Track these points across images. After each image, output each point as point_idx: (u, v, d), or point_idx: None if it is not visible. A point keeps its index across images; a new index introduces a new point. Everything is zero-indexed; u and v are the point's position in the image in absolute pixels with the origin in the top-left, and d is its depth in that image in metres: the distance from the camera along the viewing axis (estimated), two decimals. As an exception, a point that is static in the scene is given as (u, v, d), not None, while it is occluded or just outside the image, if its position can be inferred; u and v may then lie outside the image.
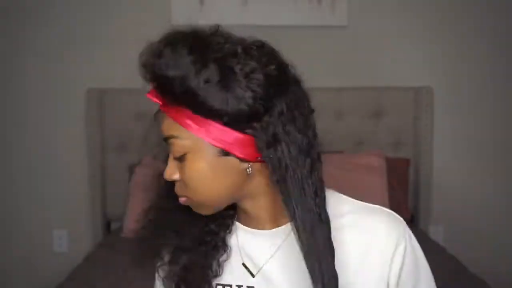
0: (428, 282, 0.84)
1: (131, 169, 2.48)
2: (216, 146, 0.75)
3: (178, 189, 0.81)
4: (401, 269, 0.80)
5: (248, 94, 0.72)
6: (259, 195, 0.81)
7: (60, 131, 2.67)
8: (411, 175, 2.68)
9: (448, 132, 2.72)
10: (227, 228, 0.87)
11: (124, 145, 2.62)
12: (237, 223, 0.87)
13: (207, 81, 0.71)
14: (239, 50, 0.73)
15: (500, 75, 2.74)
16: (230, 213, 0.87)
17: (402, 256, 0.80)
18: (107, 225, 2.67)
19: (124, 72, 2.58)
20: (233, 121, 0.73)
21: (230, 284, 0.84)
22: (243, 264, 0.84)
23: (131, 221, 2.32)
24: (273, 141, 0.74)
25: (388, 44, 2.69)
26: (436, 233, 2.66)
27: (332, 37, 2.65)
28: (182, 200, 0.81)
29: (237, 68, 0.72)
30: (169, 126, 0.76)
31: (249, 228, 0.85)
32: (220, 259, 0.85)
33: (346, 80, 2.66)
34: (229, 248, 0.86)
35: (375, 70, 2.69)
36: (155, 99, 0.77)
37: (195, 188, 0.78)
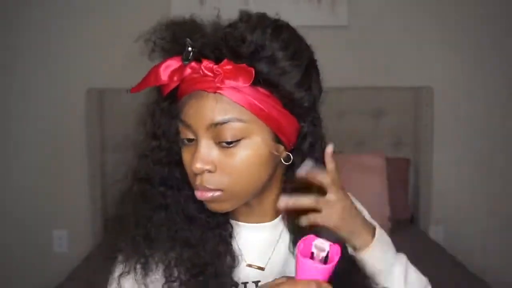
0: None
1: (131, 169, 2.47)
2: (274, 132, 0.74)
3: (208, 181, 0.73)
4: None
5: (317, 88, 0.78)
6: (273, 186, 0.81)
7: (60, 131, 2.67)
8: (411, 175, 2.68)
9: (448, 132, 2.72)
10: (227, 230, 0.83)
11: (123, 145, 2.61)
12: (233, 221, 0.85)
13: (295, 65, 0.72)
14: (305, 41, 0.78)
15: (500, 75, 2.74)
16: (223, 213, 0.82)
17: None
18: (107, 225, 2.67)
19: (124, 72, 2.60)
20: (300, 109, 0.75)
21: (246, 281, 0.82)
22: (248, 265, 0.83)
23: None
24: (314, 133, 0.79)
25: (388, 44, 2.69)
26: (436, 233, 2.66)
27: (332, 37, 2.65)
28: (208, 195, 0.74)
29: (311, 61, 0.77)
30: (227, 109, 0.70)
31: (250, 224, 0.84)
32: (230, 266, 0.80)
33: (346, 80, 2.65)
34: (234, 251, 0.82)
35: (375, 70, 2.69)
36: (211, 77, 0.70)
37: (239, 177, 0.73)
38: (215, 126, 0.71)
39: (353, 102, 2.65)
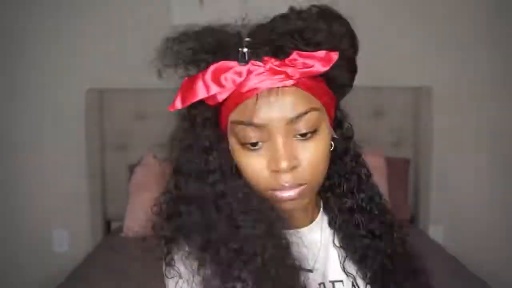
0: None
1: (131, 169, 2.48)
2: (333, 120, 0.78)
3: (295, 177, 0.71)
4: None
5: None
6: None
7: (60, 131, 2.67)
8: (411, 175, 2.68)
9: (448, 132, 2.72)
10: (285, 237, 0.76)
11: (124, 145, 2.62)
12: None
13: (351, 50, 0.75)
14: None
15: (500, 75, 2.74)
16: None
17: None
18: (107, 225, 2.67)
19: (124, 72, 2.60)
20: (342, 95, 0.81)
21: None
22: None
23: (131, 221, 2.32)
24: (344, 118, 0.85)
25: (388, 44, 2.69)
26: (436, 233, 2.66)
27: (332, 37, 2.64)
28: (297, 191, 0.72)
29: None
30: (305, 100, 0.71)
31: (291, 231, 0.77)
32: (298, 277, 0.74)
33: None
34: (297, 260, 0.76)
35: (375, 70, 2.68)
36: (288, 74, 0.69)
37: (318, 168, 0.73)
38: (296, 119, 0.70)
39: (353, 102, 2.63)
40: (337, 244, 0.85)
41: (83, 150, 2.63)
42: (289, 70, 0.69)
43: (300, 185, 0.72)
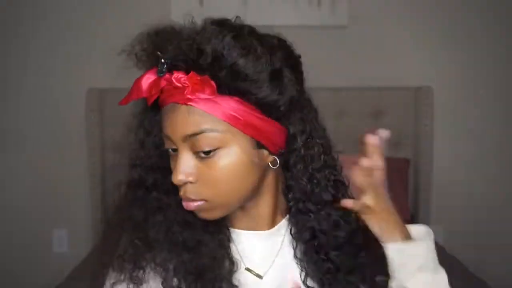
0: None
1: (131, 169, 2.48)
2: (254, 138, 0.72)
3: (191, 192, 0.73)
4: None
5: (294, 87, 0.73)
6: (266, 191, 0.80)
7: (60, 131, 2.67)
8: (411, 175, 2.68)
9: (448, 132, 2.72)
10: (225, 234, 0.81)
11: (123, 145, 2.61)
12: (232, 229, 0.83)
13: (260, 71, 0.69)
14: (276, 42, 0.74)
15: (500, 75, 2.74)
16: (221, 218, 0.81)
17: None
18: (107, 225, 2.67)
19: (124, 72, 2.60)
20: (278, 112, 0.73)
21: None
22: (247, 269, 0.81)
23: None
24: (306, 134, 0.77)
25: (388, 44, 2.69)
26: (436, 233, 2.62)
27: (332, 37, 2.65)
28: (194, 205, 0.73)
29: (283, 61, 0.72)
30: (199, 120, 0.69)
31: (247, 231, 0.82)
32: (230, 270, 0.78)
33: (346, 80, 2.65)
34: (232, 255, 0.80)
35: (375, 70, 2.68)
36: (186, 89, 0.68)
37: (221, 187, 0.72)
38: (189, 137, 0.70)
39: (353, 102, 2.65)
40: (298, 256, 0.83)
41: (83, 150, 2.63)
42: (186, 90, 0.68)
43: (200, 200, 0.73)
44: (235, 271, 0.79)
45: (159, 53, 0.70)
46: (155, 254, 0.77)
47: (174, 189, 0.76)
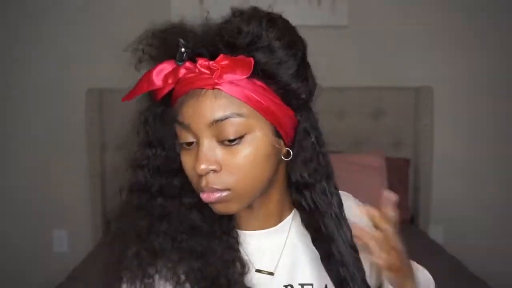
0: None
1: (131, 169, 2.47)
2: (274, 125, 0.72)
3: (215, 181, 0.71)
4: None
5: (314, 81, 0.76)
6: (276, 185, 0.80)
7: (60, 131, 2.67)
8: (411, 175, 2.68)
9: (448, 132, 2.72)
10: (233, 236, 0.80)
11: (124, 145, 2.61)
12: (238, 231, 0.82)
13: (292, 55, 0.71)
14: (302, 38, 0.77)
15: (500, 75, 2.74)
16: (227, 220, 0.80)
17: None
18: (107, 225, 2.67)
19: (124, 72, 2.59)
20: (299, 101, 0.73)
21: None
22: (257, 270, 0.80)
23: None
24: (312, 128, 0.77)
25: (388, 44, 2.69)
26: (436, 233, 2.66)
27: (332, 37, 2.65)
28: (215, 196, 0.72)
29: (306, 53, 0.75)
30: (226, 104, 0.69)
31: (255, 231, 0.82)
32: (241, 273, 0.78)
33: (346, 80, 2.65)
34: (242, 257, 0.79)
35: (375, 70, 2.68)
36: (215, 73, 0.68)
37: (245, 175, 0.71)
38: (216, 123, 0.70)
39: (353, 102, 2.65)
40: (310, 245, 0.81)
41: (83, 150, 2.63)
42: (214, 73, 0.68)
43: (223, 190, 0.72)
44: (247, 273, 0.78)
45: (181, 40, 0.70)
46: (164, 262, 0.76)
47: (180, 192, 0.76)
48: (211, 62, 0.69)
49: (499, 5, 2.70)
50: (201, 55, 0.70)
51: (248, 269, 0.78)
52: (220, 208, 0.74)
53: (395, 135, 2.68)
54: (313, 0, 2.62)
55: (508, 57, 2.72)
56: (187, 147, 0.73)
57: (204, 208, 0.76)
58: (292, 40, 0.72)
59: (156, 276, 0.76)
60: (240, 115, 0.70)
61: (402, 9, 2.69)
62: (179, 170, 0.76)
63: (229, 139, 0.70)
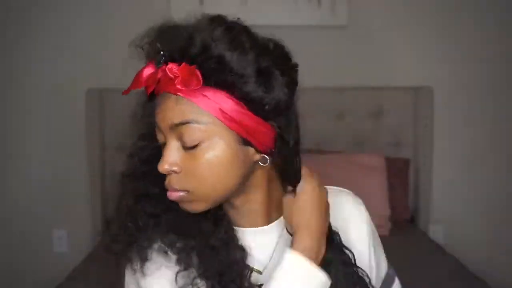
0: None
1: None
2: (239, 134, 0.73)
3: (175, 182, 0.74)
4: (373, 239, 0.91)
5: (282, 90, 0.74)
6: (256, 188, 0.80)
7: (60, 131, 2.67)
8: (411, 175, 2.68)
9: (448, 132, 2.72)
10: (230, 229, 0.83)
11: (124, 145, 2.61)
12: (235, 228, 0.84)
13: (246, 66, 0.71)
14: (270, 45, 0.75)
15: (500, 75, 2.74)
16: (221, 213, 0.83)
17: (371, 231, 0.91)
18: (107, 225, 2.67)
19: (124, 72, 2.60)
20: (265, 111, 0.73)
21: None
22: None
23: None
24: (293, 134, 0.77)
25: (388, 44, 2.69)
26: (436, 233, 2.66)
27: (332, 37, 2.65)
28: (176, 195, 0.75)
29: (273, 63, 0.73)
30: (185, 110, 0.71)
31: (245, 228, 0.84)
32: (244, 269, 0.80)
33: (346, 80, 2.65)
34: (244, 247, 0.81)
35: (375, 70, 2.68)
36: (177, 78, 0.70)
37: (203, 179, 0.73)
38: (176, 126, 0.72)
39: (353, 102, 2.65)
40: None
41: (83, 150, 2.63)
42: (176, 80, 0.70)
43: (183, 190, 0.75)
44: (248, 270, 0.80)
45: (158, 44, 0.72)
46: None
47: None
48: (174, 69, 0.70)
49: (499, 5, 2.70)
50: (174, 60, 0.72)
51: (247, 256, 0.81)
52: (185, 206, 0.77)
53: (395, 135, 2.68)
54: (313, 0, 2.62)
55: (508, 57, 2.72)
56: (163, 147, 0.76)
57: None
58: (248, 50, 0.71)
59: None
60: (198, 122, 0.71)
61: (401, 9, 2.69)
62: None
63: (188, 143, 0.72)
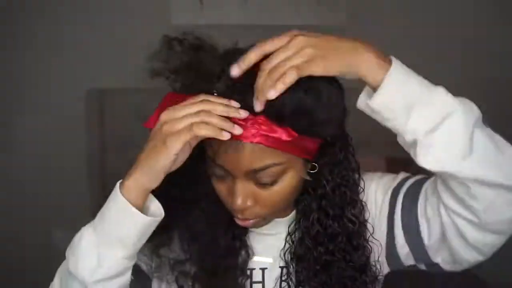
0: None
1: (131, 169, 2.48)
2: (308, 159, 0.76)
3: (248, 214, 0.76)
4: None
5: (339, 117, 0.83)
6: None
7: (60, 131, 2.67)
8: (411, 175, 2.68)
9: (448, 132, 2.71)
10: (242, 229, 0.85)
11: (124, 145, 2.61)
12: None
13: (335, 115, 0.80)
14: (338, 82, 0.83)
15: (500, 75, 2.74)
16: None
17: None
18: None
19: (124, 72, 2.59)
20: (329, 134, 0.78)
21: (253, 267, 0.85)
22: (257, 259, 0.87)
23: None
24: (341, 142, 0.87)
25: (388, 44, 2.68)
26: (436, 233, 2.65)
27: (332, 37, 2.65)
28: (249, 223, 0.78)
29: (328, 91, 0.79)
30: (264, 156, 0.71)
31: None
32: (245, 260, 0.84)
33: (346, 80, 2.65)
34: (248, 246, 0.85)
35: (375, 70, 2.68)
36: (258, 131, 0.68)
37: (277, 206, 0.77)
38: (255, 171, 0.72)
39: (353, 102, 2.64)
40: (295, 249, 0.86)
41: (83, 150, 2.63)
42: (254, 128, 0.68)
43: (256, 218, 0.77)
44: (249, 260, 0.85)
45: (215, 92, 0.70)
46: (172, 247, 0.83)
47: (199, 178, 0.78)
48: (253, 118, 0.68)
49: (498, 6, 2.70)
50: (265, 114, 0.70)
51: (250, 256, 0.85)
52: (250, 226, 0.80)
53: (395, 135, 2.67)
54: (312, 0, 2.62)
55: (508, 58, 2.72)
56: (220, 178, 0.76)
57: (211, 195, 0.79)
58: (334, 101, 0.80)
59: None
60: (277, 164, 0.72)
61: (401, 9, 2.69)
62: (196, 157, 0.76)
63: (264, 182, 0.73)
